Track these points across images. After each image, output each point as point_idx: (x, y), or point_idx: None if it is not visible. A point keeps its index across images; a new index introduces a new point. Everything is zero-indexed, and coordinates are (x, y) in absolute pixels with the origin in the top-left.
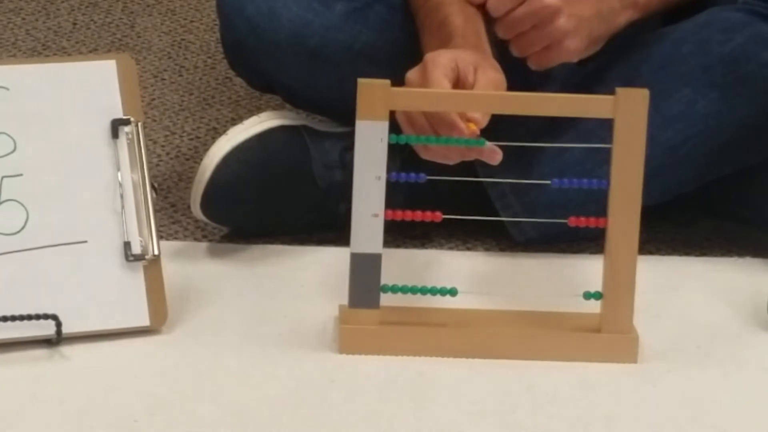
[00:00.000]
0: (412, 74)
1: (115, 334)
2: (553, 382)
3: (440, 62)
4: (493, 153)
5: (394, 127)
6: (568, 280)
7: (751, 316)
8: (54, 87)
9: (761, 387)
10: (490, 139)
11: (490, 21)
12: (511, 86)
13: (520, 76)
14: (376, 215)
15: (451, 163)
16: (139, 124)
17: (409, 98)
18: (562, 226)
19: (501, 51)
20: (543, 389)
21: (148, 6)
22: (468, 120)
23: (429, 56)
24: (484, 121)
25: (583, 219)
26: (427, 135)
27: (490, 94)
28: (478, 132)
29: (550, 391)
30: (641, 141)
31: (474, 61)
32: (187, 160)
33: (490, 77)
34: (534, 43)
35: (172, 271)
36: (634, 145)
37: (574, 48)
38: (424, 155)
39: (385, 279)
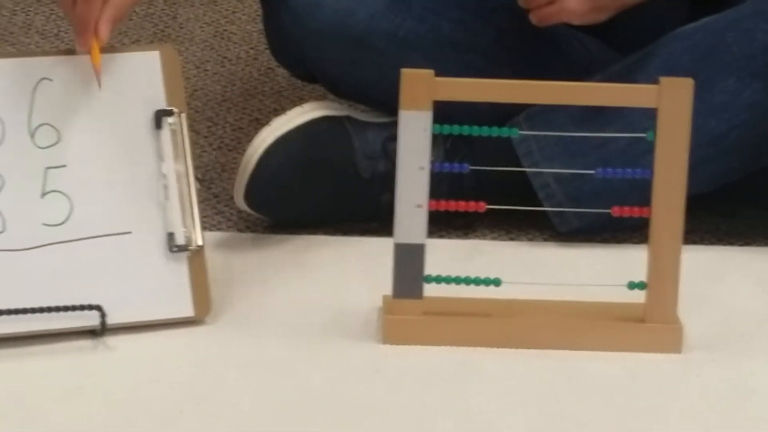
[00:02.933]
0: None
1: (159, 324)
2: (597, 372)
3: None
4: None
5: (438, 117)
6: (612, 269)
7: None
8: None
9: None
10: (533, 130)
11: None
12: (554, 76)
13: (563, 66)
14: (419, 205)
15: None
16: (183, 114)
17: (452, 88)
18: (606, 215)
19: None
20: (587, 379)
21: None
22: None
23: None
24: None
25: (626, 209)
26: None
27: (536, 84)
28: None
29: (594, 381)
30: (685, 130)
31: None
32: (230, 150)
33: None
34: None
35: (215, 261)
36: (678, 135)
37: (573, 8)
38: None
39: (429, 269)
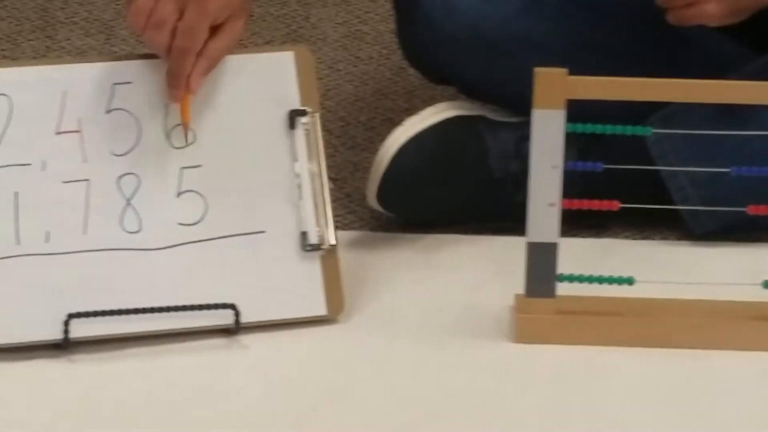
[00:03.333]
0: None
1: (292, 323)
2: (732, 372)
3: None
4: None
5: (571, 116)
6: (747, 268)
7: None
8: (232, 78)
9: None
10: (668, 128)
11: None
12: (688, 76)
13: (697, 66)
14: (552, 204)
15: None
16: (316, 114)
17: (586, 86)
18: (740, 217)
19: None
20: (722, 379)
21: None
22: None
23: None
24: None
25: (762, 207)
26: None
27: (671, 82)
28: None
29: (729, 380)
30: None
31: None
32: (363, 150)
33: None
34: None
35: (348, 260)
36: None
37: (713, 12)
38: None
39: (561, 268)
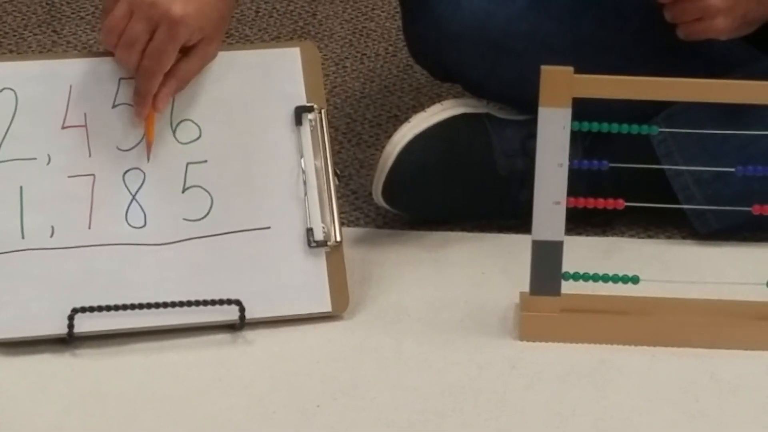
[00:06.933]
0: None
1: (297, 319)
2: (737, 371)
3: None
4: None
5: (577, 114)
6: (752, 268)
7: None
8: (238, 74)
9: None
10: (673, 128)
11: None
12: (694, 76)
13: (703, 65)
14: (557, 203)
15: None
16: (322, 111)
17: (592, 85)
18: (745, 217)
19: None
20: (726, 378)
21: None
22: None
23: None
24: None
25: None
26: None
27: (677, 81)
28: None
29: (733, 380)
30: None
31: None
32: (369, 147)
33: None
34: (686, 13)
35: (353, 257)
36: None
37: (723, 27)
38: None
39: (566, 266)
